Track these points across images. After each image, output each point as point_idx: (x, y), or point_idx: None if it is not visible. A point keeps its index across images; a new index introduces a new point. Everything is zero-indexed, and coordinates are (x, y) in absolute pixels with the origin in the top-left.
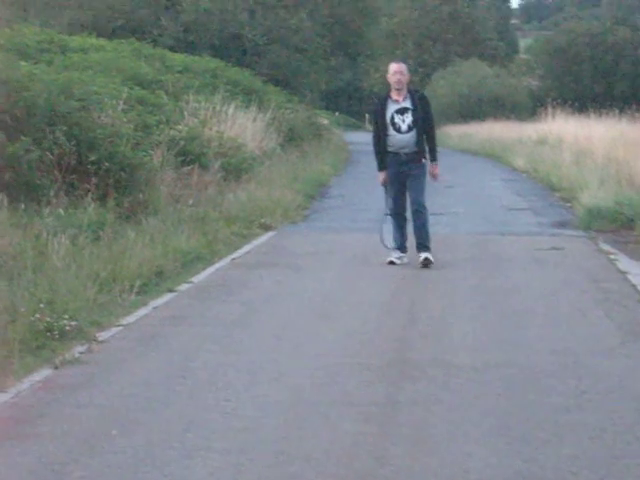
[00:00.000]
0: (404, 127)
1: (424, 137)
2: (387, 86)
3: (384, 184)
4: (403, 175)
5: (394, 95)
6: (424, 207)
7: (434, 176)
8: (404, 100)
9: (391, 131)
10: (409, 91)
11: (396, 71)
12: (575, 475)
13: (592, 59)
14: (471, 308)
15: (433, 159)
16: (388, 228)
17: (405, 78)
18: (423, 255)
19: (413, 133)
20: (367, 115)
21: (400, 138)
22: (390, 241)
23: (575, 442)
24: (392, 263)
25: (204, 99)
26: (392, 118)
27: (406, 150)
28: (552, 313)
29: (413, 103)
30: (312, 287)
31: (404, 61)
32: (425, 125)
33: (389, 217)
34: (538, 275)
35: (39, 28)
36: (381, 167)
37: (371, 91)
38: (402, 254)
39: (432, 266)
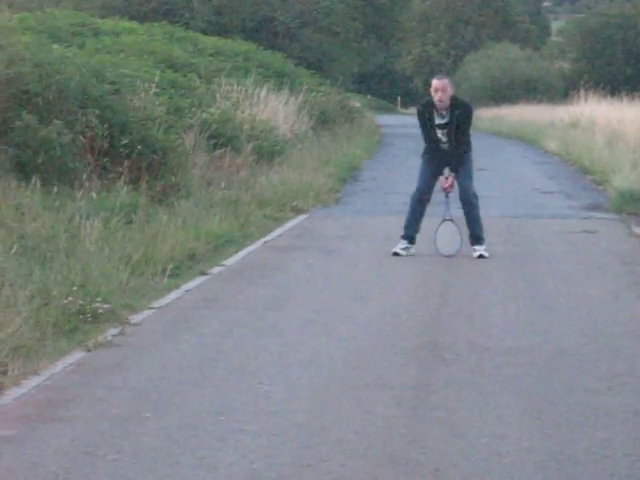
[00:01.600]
0: (444, 140)
1: (465, 141)
2: (423, 75)
3: (448, 188)
4: (444, 162)
5: (439, 108)
6: (475, 196)
7: (445, 188)
8: (446, 114)
9: (435, 141)
10: (451, 105)
11: (437, 89)
12: (608, 458)
13: (625, 42)
14: (503, 291)
15: (453, 169)
16: (442, 233)
17: (446, 95)
18: (478, 251)
19: (453, 146)
20: (399, 98)
21: (443, 148)
22: (445, 249)
23: (608, 425)
24: (396, 254)
25: (236, 82)
26: (435, 131)
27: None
28: (584, 296)
29: (451, 118)
30: (344, 270)
31: (446, 76)
32: (458, 133)
33: (444, 223)
34: (570, 258)
35: (71, 11)
36: (441, 169)
37: (403, 74)
38: (409, 245)
39: (465, 250)
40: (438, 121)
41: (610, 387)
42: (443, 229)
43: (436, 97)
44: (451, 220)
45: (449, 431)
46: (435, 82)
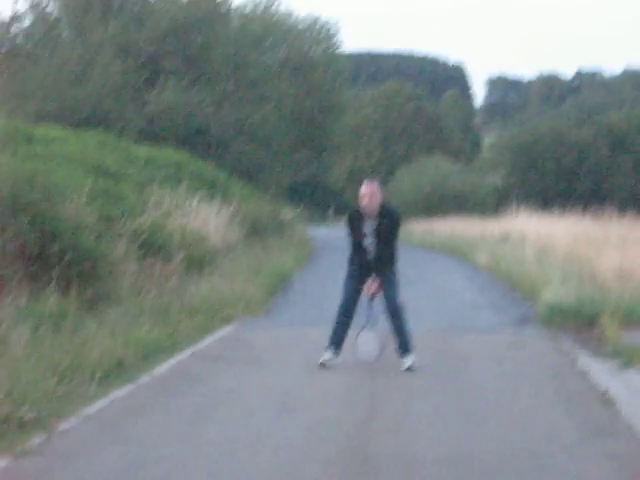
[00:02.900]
0: (371, 249)
1: (390, 253)
2: (353, 187)
3: (375, 293)
4: (369, 272)
5: (367, 215)
6: (401, 308)
7: (369, 291)
8: (375, 222)
9: (362, 249)
10: (380, 212)
11: (365, 194)
12: None
13: (555, 157)
14: (432, 403)
15: (377, 272)
16: (363, 339)
17: (374, 199)
18: (406, 364)
19: (380, 256)
20: (330, 209)
21: (369, 259)
22: (365, 354)
23: None
24: (323, 365)
25: (168, 191)
26: (363, 239)
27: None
28: (512, 411)
29: (379, 226)
30: (273, 382)
31: (375, 180)
32: (385, 242)
33: (364, 330)
34: (498, 372)
35: (4, 119)
36: (365, 277)
37: (336, 185)
38: (335, 355)
39: (393, 361)
40: (367, 229)
41: None
42: (363, 335)
43: (363, 202)
44: (372, 327)
45: None
46: (363, 188)
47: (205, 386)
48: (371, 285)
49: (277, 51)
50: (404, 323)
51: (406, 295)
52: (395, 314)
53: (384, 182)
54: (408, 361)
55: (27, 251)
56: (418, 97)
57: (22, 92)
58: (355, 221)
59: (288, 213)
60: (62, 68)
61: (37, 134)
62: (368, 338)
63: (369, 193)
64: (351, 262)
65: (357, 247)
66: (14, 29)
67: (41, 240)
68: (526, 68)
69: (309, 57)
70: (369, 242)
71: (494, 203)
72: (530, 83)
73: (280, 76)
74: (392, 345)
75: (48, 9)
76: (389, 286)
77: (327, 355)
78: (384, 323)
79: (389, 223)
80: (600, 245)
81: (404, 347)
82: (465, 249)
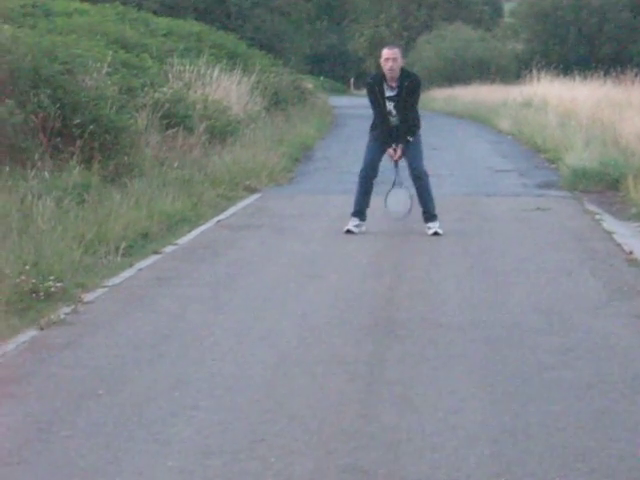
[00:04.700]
0: (394, 113)
1: (413, 116)
2: (375, 56)
3: (398, 159)
4: (393, 138)
5: (389, 80)
6: (425, 174)
7: (394, 159)
8: (396, 86)
9: (385, 115)
10: (401, 76)
11: (388, 58)
12: (562, 431)
13: (576, 22)
14: (457, 268)
15: (402, 141)
16: (393, 197)
17: (397, 64)
18: (432, 229)
19: (403, 120)
20: (352, 79)
21: (392, 120)
22: (396, 211)
23: (561, 399)
24: (349, 232)
25: (188, 62)
26: (385, 104)
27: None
28: (538, 273)
29: (400, 90)
30: (298, 249)
31: (397, 45)
32: (407, 106)
33: (395, 188)
34: (523, 235)
35: None
36: (389, 142)
37: (356, 55)
38: (361, 222)
39: (419, 226)
40: (388, 93)
41: (563, 361)
42: (394, 193)
43: (387, 66)
44: (401, 185)
45: (403, 406)
46: (386, 51)
47: (230, 254)
48: (394, 153)
49: None
50: (429, 189)
51: (430, 161)
52: (420, 180)
53: (405, 51)
54: (434, 226)
55: (49, 124)
56: None
57: None
58: (376, 86)
59: (309, 83)
60: None
61: (56, 8)
62: (398, 196)
63: (392, 57)
64: (373, 127)
65: (380, 113)
66: None
67: (62, 113)
68: None
69: None
70: (391, 106)
71: (516, 69)
72: None
73: None
74: (419, 208)
75: None
76: (413, 152)
77: (353, 222)
78: (411, 187)
79: (410, 87)
80: (623, 109)
81: (429, 212)
82: (488, 115)
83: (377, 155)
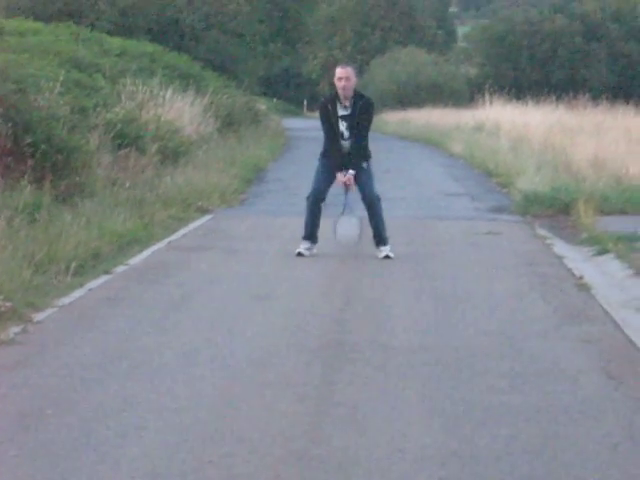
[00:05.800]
0: (346, 134)
1: (365, 142)
2: (329, 79)
3: (348, 184)
4: (343, 163)
5: (342, 99)
6: (378, 198)
7: (343, 183)
8: (349, 106)
9: (337, 136)
10: (354, 96)
11: (341, 76)
12: (510, 455)
13: (529, 47)
14: (408, 291)
15: (354, 167)
16: (342, 224)
17: (350, 83)
18: (383, 252)
19: (353, 143)
20: (305, 101)
21: (343, 144)
22: (345, 239)
23: (510, 423)
24: (300, 255)
25: (141, 83)
26: (338, 124)
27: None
28: (488, 296)
29: (353, 110)
30: (249, 270)
31: (351, 64)
32: (359, 127)
33: (344, 215)
34: (475, 259)
35: None
36: (340, 167)
37: (310, 78)
38: (312, 244)
39: (370, 250)
40: (341, 112)
41: (512, 385)
42: (343, 220)
43: (340, 85)
44: (351, 211)
45: (352, 429)
46: (339, 70)
47: (181, 276)
48: (343, 177)
49: None
50: (380, 213)
51: (382, 184)
52: (371, 205)
53: (359, 74)
54: (385, 250)
55: (0, 143)
56: None
57: None
58: (329, 104)
59: (262, 105)
60: None
61: (9, 27)
62: (347, 223)
63: (344, 75)
64: (324, 154)
65: (332, 135)
66: None
67: (14, 132)
68: None
69: None
70: (344, 127)
71: (468, 93)
72: None
73: None
74: (369, 233)
75: None
76: (364, 178)
77: (304, 245)
78: (361, 212)
79: (363, 107)
80: (574, 134)
81: (381, 236)
82: (441, 139)
83: (326, 182)
